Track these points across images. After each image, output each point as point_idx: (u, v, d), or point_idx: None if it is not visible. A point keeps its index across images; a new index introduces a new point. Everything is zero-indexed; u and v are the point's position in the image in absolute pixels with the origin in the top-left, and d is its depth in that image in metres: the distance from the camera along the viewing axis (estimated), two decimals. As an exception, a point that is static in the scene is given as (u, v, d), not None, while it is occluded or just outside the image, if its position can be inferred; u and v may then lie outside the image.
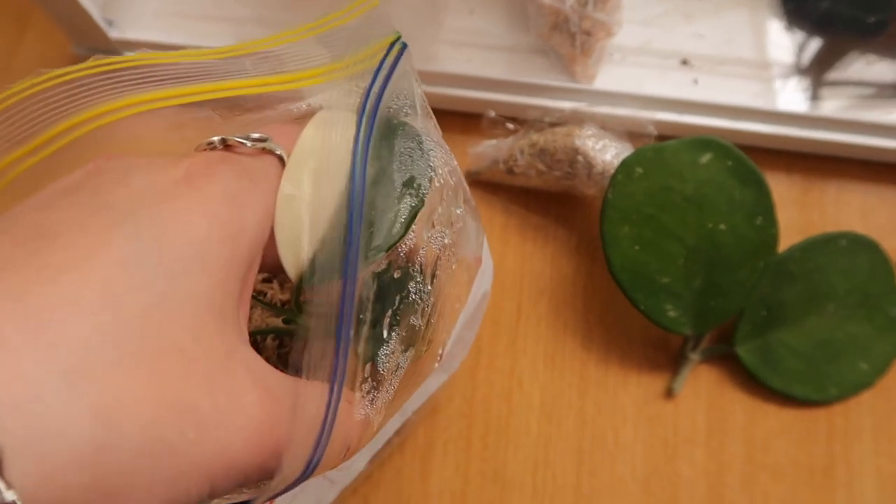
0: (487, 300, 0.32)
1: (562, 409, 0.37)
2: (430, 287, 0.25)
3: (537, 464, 0.36)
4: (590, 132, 0.37)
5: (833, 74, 0.42)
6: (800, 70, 0.42)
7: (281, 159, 0.19)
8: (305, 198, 0.21)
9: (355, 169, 0.20)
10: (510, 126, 0.40)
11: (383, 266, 0.22)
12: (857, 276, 0.37)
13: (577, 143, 0.37)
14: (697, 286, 0.35)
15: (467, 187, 0.25)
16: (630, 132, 0.39)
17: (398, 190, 0.22)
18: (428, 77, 0.41)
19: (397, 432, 0.37)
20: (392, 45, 0.23)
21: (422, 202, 0.22)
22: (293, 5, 0.42)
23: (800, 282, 0.37)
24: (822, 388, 0.37)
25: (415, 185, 0.22)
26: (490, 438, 0.37)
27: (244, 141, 0.19)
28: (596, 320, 0.39)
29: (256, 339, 0.29)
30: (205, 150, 0.19)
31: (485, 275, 0.31)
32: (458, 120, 0.42)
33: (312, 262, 0.21)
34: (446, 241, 0.25)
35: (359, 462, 0.33)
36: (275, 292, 0.31)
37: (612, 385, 0.38)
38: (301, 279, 0.22)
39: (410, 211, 0.22)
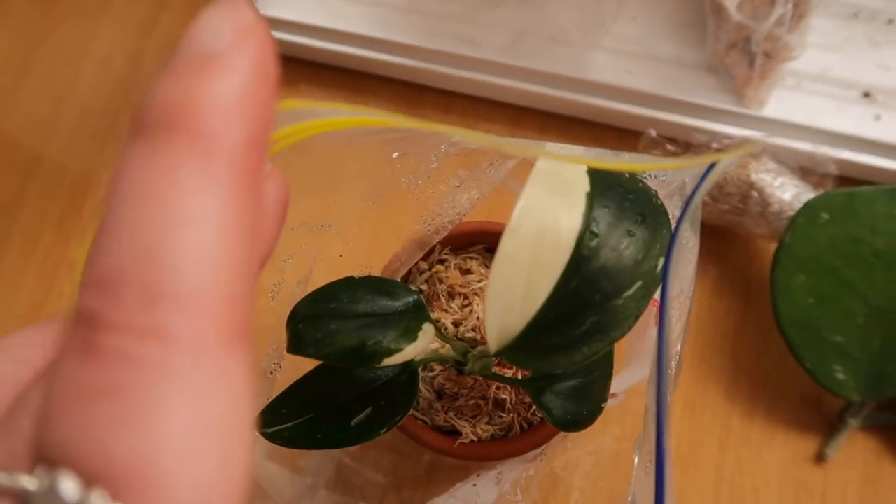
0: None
1: (699, 460, 0.35)
2: None
3: (667, 516, 0.34)
4: (767, 166, 0.34)
5: None
6: None
7: None
8: (525, 261, 0.19)
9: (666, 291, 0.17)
10: (670, 148, 0.37)
11: None
12: None
13: (753, 177, 0.34)
14: (875, 350, 0.32)
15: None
16: (804, 168, 0.36)
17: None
18: (583, 86, 0.38)
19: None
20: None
21: None
22: (482, 11, 0.40)
23: None
24: None
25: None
26: (618, 486, 0.34)
27: None
28: (745, 369, 0.36)
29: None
30: None
31: None
32: (612, 134, 0.39)
33: (521, 337, 0.19)
34: None
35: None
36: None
37: (756, 441, 0.35)
38: (498, 349, 0.20)
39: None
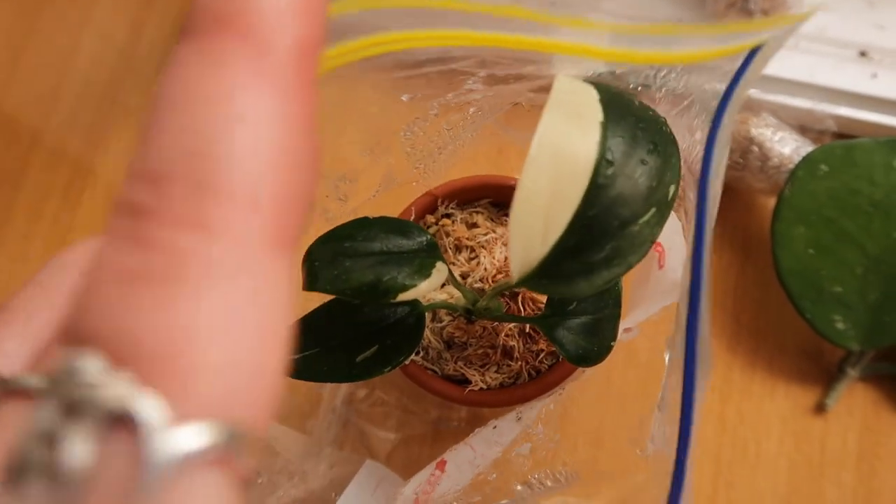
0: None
1: (702, 412, 0.35)
2: None
3: (671, 467, 0.34)
4: (767, 122, 0.35)
5: None
6: None
7: None
8: (544, 192, 0.19)
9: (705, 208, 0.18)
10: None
11: None
12: None
13: (754, 131, 0.34)
14: (873, 299, 0.32)
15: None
16: (803, 125, 0.36)
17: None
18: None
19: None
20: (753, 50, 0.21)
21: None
22: None
23: (983, 305, 0.33)
24: None
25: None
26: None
27: None
28: (745, 322, 0.36)
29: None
30: None
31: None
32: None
33: (543, 265, 0.19)
34: None
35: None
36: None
37: (757, 393, 0.35)
38: (521, 278, 0.20)
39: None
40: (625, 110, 0.21)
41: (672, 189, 0.20)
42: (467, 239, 0.30)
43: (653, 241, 0.20)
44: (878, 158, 0.32)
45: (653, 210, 0.19)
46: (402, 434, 0.36)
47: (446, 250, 0.30)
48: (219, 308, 0.10)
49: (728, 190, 0.38)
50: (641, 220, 0.19)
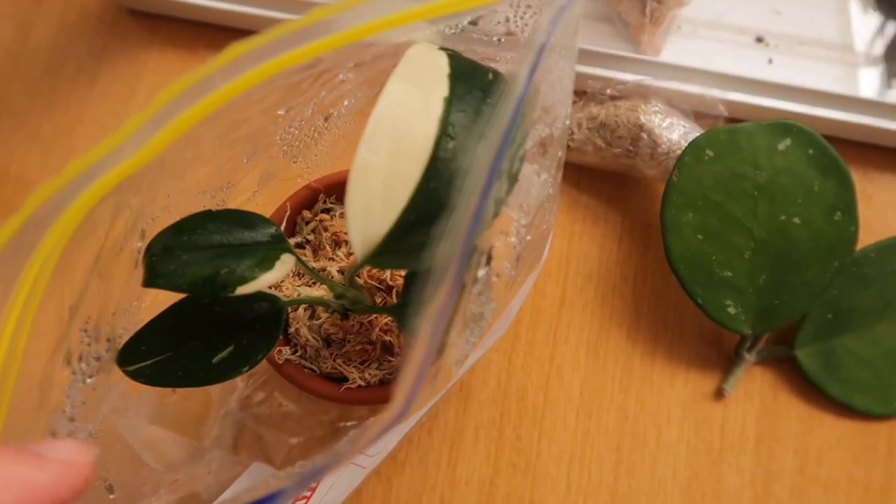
0: (536, 276, 0.30)
1: (602, 403, 0.35)
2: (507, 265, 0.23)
3: (573, 459, 0.34)
4: (656, 108, 0.34)
5: (922, 62, 0.38)
6: (887, 55, 0.38)
7: None
8: (382, 168, 0.19)
9: (503, 145, 0.17)
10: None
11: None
12: (934, 284, 0.34)
13: (643, 119, 0.34)
14: (762, 283, 0.33)
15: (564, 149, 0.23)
16: (696, 111, 0.36)
17: (508, 161, 0.20)
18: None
19: (427, 415, 0.34)
20: None
21: (515, 180, 0.20)
22: None
23: (873, 285, 0.34)
24: (886, 401, 0.34)
25: (517, 156, 0.20)
26: (524, 429, 0.35)
27: None
28: (645, 311, 0.36)
29: (287, 309, 0.27)
30: None
31: (545, 248, 0.28)
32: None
33: (385, 241, 0.19)
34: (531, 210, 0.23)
35: (389, 444, 0.31)
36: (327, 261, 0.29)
37: (657, 381, 0.35)
38: (364, 257, 0.20)
39: (506, 192, 0.20)
40: (472, 84, 0.21)
41: (517, 165, 0.20)
42: (345, 234, 0.29)
43: (498, 213, 0.20)
44: (762, 142, 0.32)
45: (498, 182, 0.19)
46: (302, 437, 0.35)
47: (324, 245, 0.29)
48: None
49: (624, 178, 0.38)
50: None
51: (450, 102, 0.20)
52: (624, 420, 0.35)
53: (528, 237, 0.24)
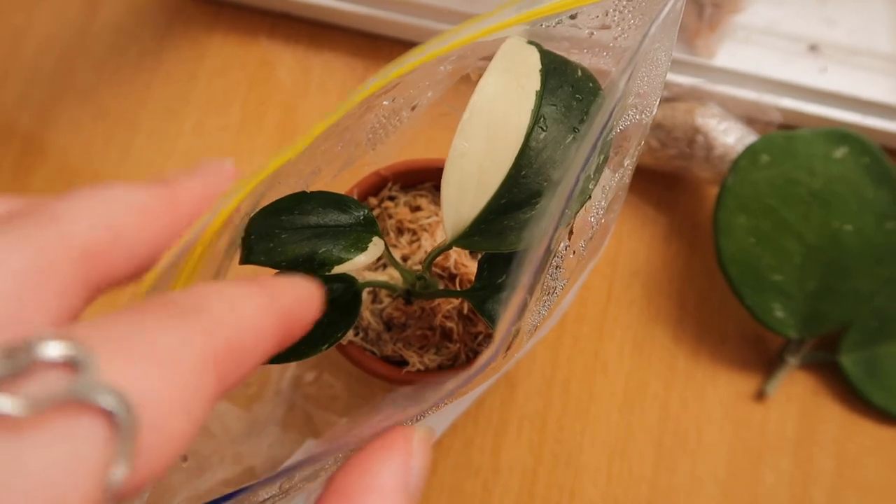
0: (593, 266, 0.30)
1: (645, 399, 0.36)
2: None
3: (614, 453, 0.35)
4: (713, 111, 0.35)
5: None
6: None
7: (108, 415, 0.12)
8: (477, 155, 0.20)
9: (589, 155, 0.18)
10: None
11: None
12: (980, 297, 0.34)
13: (699, 121, 0.34)
14: (811, 288, 0.33)
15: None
16: (749, 117, 0.37)
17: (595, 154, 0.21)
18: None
19: (474, 402, 0.35)
20: None
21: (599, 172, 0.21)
22: None
23: (919, 296, 0.34)
24: (926, 410, 0.34)
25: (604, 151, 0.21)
26: (566, 421, 0.35)
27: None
28: (690, 311, 0.37)
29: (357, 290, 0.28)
30: None
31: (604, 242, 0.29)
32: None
33: (475, 223, 0.20)
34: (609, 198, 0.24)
35: (443, 422, 0.32)
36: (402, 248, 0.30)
37: (700, 380, 0.36)
38: (455, 238, 0.21)
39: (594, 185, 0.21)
40: (563, 79, 0.22)
41: (607, 149, 0.21)
42: (409, 222, 0.30)
43: (584, 202, 0.21)
44: (818, 149, 0.33)
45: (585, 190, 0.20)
46: (349, 417, 0.36)
47: (388, 233, 0.30)
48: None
49: (677, 181, 0.38)
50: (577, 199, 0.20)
51: (541, 96, 0.21)
52: (666, 417, 0.35)
53: (603, 220, 0.25)
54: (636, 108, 0.24)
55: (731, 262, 0.33)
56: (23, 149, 0.39)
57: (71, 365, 0.11)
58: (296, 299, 0.16)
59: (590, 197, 0.21)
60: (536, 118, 0.21)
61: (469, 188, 0.20)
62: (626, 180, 0.26)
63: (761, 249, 0.33)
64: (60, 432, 0.11)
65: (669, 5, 0.19)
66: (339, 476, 0.16)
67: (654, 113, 0.24)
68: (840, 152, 0.33)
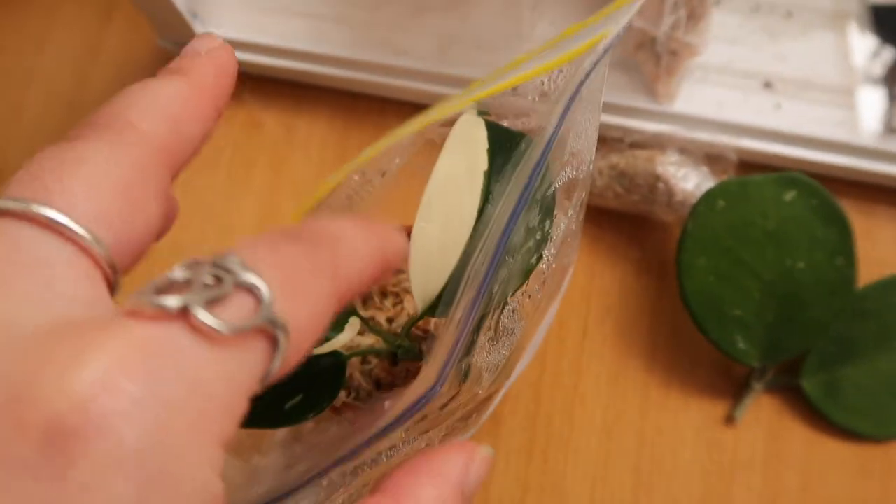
0: (556, 308, 0.33)
1: (622, 428, 0.38)
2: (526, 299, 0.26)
3: (595, 480, 0.38)
4: (672, 159, 0.37)
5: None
6: (890, 99, 0.41)
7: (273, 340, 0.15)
8: (437, 235, 0.23)
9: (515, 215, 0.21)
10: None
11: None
12: (929, 318, 0.37)
13: (659, 169, 0.37)
14: (770, 320, 0.36)
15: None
16: (709, 156, 0.39)
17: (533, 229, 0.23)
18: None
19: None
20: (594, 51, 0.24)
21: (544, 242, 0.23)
22: (379, 5, 0.42)
23: (873, 320, 0.37)
24: (884, 426, 0.37)
25: (545, 224, 0.23)
26: (551, 452, 0.38)
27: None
28: (661, 343, 0.39)
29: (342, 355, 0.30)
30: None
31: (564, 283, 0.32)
32: (535, 133, 0.42)
33: (440, 296, 0.23)
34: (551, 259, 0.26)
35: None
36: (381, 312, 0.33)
37: (673, 408, 0.38)
38: (425, 310, 0.23)
39: (534, 260, 0.23)
40: (507, 158, 0.25)
41: (548, 221, 0.24)
42: (392, 285, 0.32)
43: (532, 269, 0.23)
44: (769, 193, 0.35)
45: (530, 244, 0.23)
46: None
47: (372, 297, 0.32)
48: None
49: (645, 221, 0.41)
50: (523, 249, 0.23)
51: (489, 176, 0.24)
52: (642, 444, 0.38)
53: (554, 265, 0.27)
54: (571, 166, 0.26)
55: (694, 300, 0.36)
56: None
57: (256, 295, 0.15)
58: (395, 250, 0.19)
59: (540, 247, 0.24)
60: (486, 197, 0.23)
61: (432, 266, 0.23)
62: (574, 227, 0.28)
63: (721, 287, 0.35)
64: (247, 349, 0.14)
65: (590, 66, 0.22)
66: (403, 469, 0.18)
67: (590, 168, 0.26)
68: (790, 195, 0.35)
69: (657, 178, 0.37)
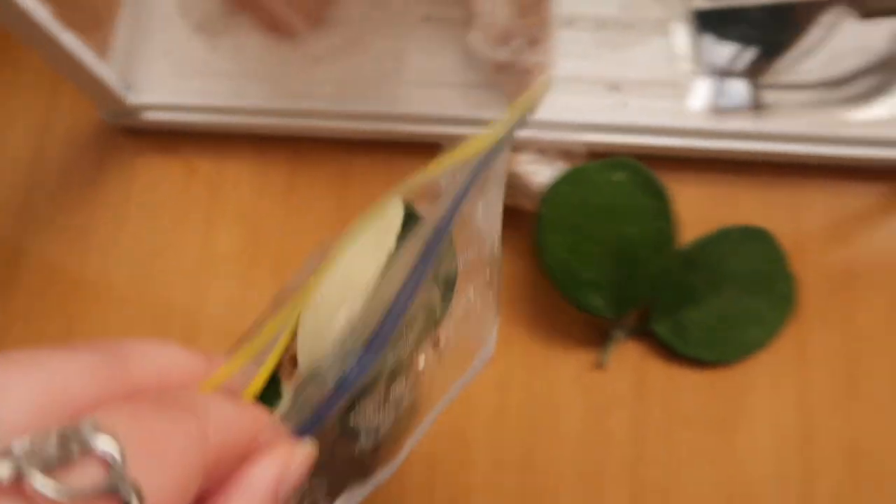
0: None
1: (512, 384, 0.46)
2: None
3: (493, 428, 0.46)
4: (527, 158, 0.46)
5: (736, 88, 0.50)
6: (715, 85, 0.50)
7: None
8: (332, 306, 0.24)
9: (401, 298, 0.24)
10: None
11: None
12: (751, 262, 0.45)
13: (517, 168, 0.45)
14: (615, 279, 0.44)
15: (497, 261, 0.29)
16: (564, 151, 0.48)
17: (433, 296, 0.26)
18: (393, 118, 0.50)
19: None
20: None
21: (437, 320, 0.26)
22: (283, 61, 0.51)
23: (703, 269, 0.45)
24: (724, 352, 0.45)
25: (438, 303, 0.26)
26: (453, 407, 0.46)
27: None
28: (539, 311, 0.48)
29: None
30: None
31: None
32: (424, 152, 0.50)
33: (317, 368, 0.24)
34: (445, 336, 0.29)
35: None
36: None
37: (553, 361, 0.47)
38: (308, 375, 0.24)
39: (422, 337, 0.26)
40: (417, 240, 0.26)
41: (439, 309, 0.27)
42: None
43: (437, 319, 0.26)
44: (602, 176, 0.44)
45: (421, 317, 0.26)
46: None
47: (284, 365, 0.37)
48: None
49: (514, 210, 0.49)
50: (414, 328, 0.25)
51: (391, 256, 0.26)
52: (531, 395, 0.46)
53: (454, 344, 0.29)
54: (472, 250, 0.28)
55: (553, 271, 0.44)
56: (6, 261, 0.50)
57: (106, 459, 0.14)
58: (262, 429, 0.20)
59: (436, 322, 0.25)
60: (383, 273, 0.25)
61: (321, 330, 0.24)
62: (481, 308, 0.29)
63: (572, 257, 0.44)
64: None
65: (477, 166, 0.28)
66: (217, 486, 0.18)
67: (496, 244, 0.28)
68: (618, 176, 0.43)
69: (516, 176, 0.45)
